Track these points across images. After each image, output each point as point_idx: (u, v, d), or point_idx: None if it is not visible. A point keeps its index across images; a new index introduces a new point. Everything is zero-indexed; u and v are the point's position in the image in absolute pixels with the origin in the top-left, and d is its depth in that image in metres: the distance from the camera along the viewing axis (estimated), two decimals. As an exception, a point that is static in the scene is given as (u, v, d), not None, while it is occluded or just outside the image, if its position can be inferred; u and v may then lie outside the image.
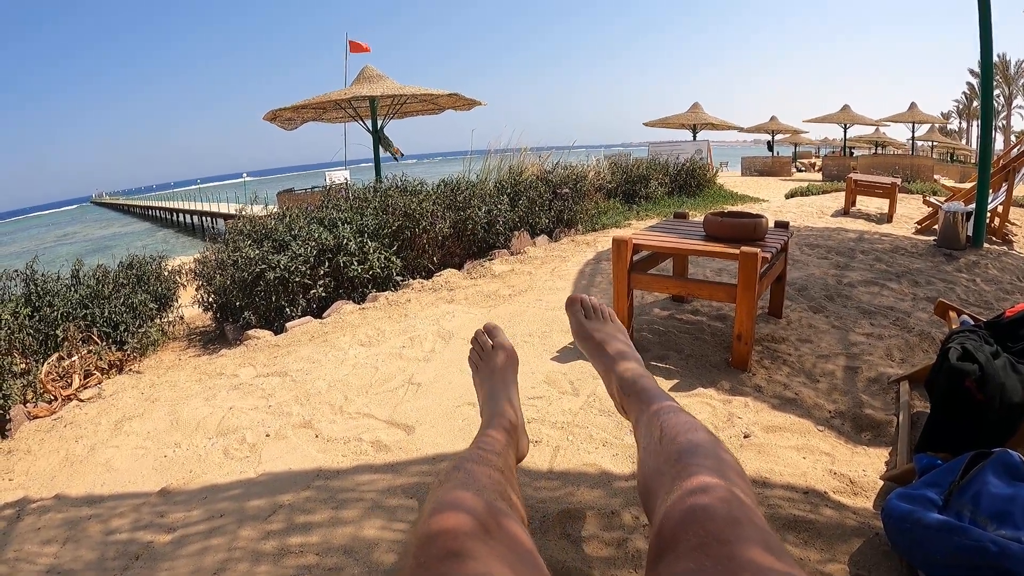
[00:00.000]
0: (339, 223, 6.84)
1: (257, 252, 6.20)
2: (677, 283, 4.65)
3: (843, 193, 13.26)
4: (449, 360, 4.68)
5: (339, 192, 8.65)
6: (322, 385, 4.46)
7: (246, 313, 6.13)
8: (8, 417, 4.93)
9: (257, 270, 6.17)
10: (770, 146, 36.97)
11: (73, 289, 6.65)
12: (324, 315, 6.23)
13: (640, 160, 14.99)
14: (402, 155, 14.65)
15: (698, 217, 6.08)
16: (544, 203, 9.16)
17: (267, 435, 3.88)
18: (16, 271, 6.87)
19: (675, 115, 26.84)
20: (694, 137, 25.66)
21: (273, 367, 5.04)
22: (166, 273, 7.53)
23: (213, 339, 7.00)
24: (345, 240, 6.53)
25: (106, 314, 6.36)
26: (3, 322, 5.29)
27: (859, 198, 12.38)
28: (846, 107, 31.75)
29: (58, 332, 6.14)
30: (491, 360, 2.47)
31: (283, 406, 4.21)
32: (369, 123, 14.00)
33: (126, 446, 4.11)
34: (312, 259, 6.38)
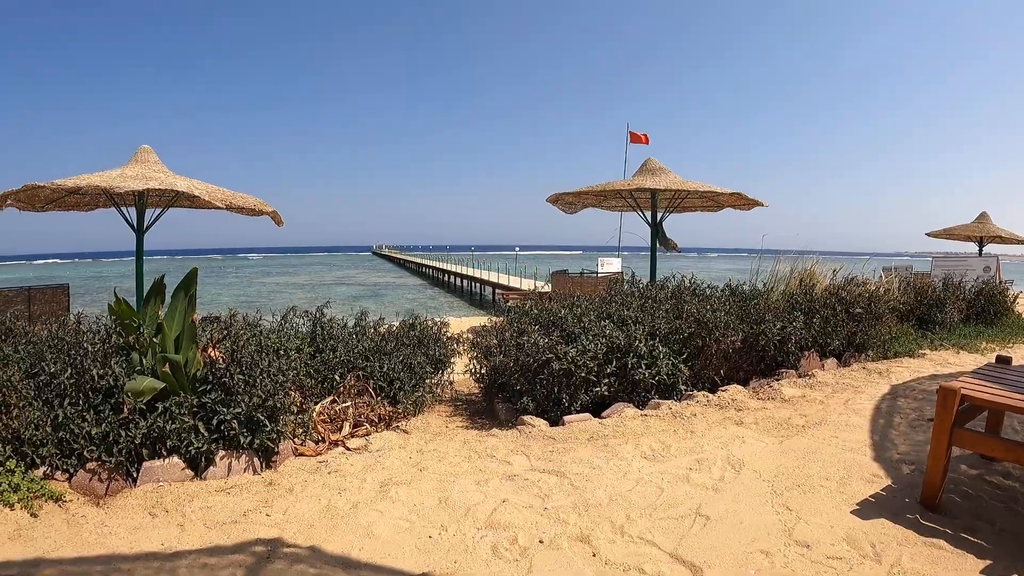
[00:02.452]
0: (630, 322, 6.54)
1: (546, 340, 6.04)
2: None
3: None
4: (740, 494, 4.17)
5: (616, 283, 8.35)
6: (602, 496, 4.08)
7: (525, 399, 5.95)
8: (276, 450, 4.99)
9: (544, 358, 6.03)
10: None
11: (357, 339, 6.81)
12: (603, 415, 5.91)
13: (922, 276, 13.58)
14: (679, 249, 14.30)
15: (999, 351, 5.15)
16: (838, 323, 8.37)
17: (540, 541, 3.57)
18: (307, 311, 7.14)
19: (961, 225, 24.40)
20: (980, 251, 23.18)
21: (549, 463, 4.75)
22: (445, 338, 7.58)
23: (480, 412, 6.89)
24: (636, 341, 6.22)
25: (384, 369, 6.41)
26: (291, 358, 5.44)
27: None
28: None
29: (336, 377, 6.24)
30: None
31: (560, 511, 3.87)
32: (648, 215, 13.79)
33: (390, 514, 3.95)
34: (601, 356, 6.12)
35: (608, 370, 6.08)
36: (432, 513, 3.94)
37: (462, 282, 45.90)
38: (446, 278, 52.27)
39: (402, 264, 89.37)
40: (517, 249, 67.74)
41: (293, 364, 5.42)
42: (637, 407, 6.09)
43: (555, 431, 5.54)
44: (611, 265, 18.22)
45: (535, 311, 6.91)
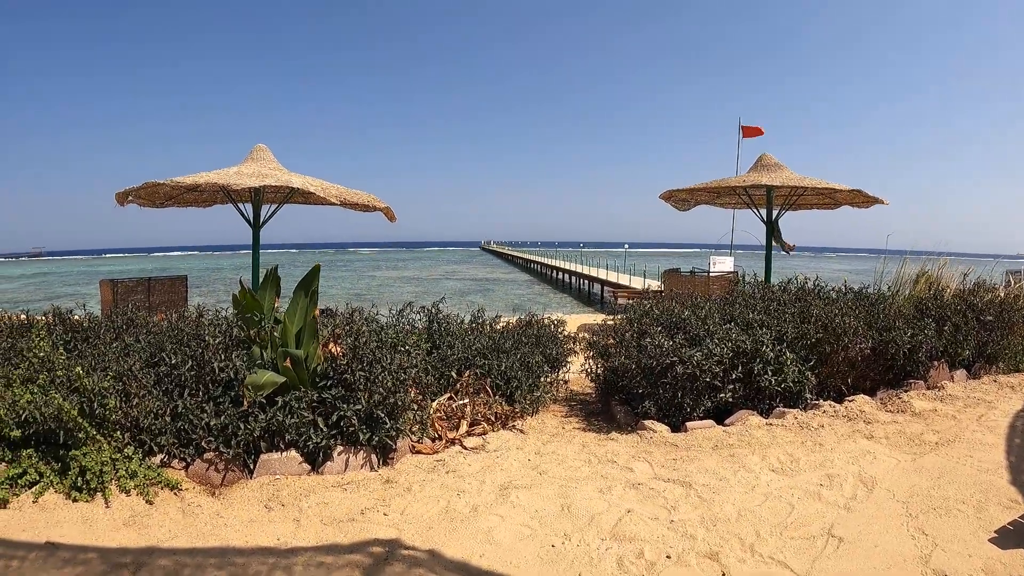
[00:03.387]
0: (755, 325, 6.37)
1: (670, 343, 5.91)
2: None
3: None
4: (874, 515, 3.93)
5: (735, 283, 8.11)
6: (731, 511, 3.91)
7: (647, 403, 5.82)
8: (394, 447, 4.99)
9: (668, 361, 5.87)
10: None
11: (474, 336, 6.83)
12: (726, 422, 5.72)
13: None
14: (793, 249, 13.84)
15: None
16: (969, 331, 7.89)
17: (667, 556, 3.43)
18: (423, 307, 7.16)
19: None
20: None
21: (674, 472, 4.59)
22: (562, 337, 7.54)
23: (596, 413, 6.79)
24: (762, 346, 6.04)
25: (502, 367, 6.37)
26: (412, 355, 5.47)
27: None
28: None
29: (452, 373, 6.22)
30: None
31: (687, 525, 3.72)
32: (763, 212, 13.40)
33: (511, 519, 3.87)
34: (727, 361, 5.94)
35: (733, 376, 5.91)
36: (554, 520, 3.85)
37: (570, 278, 45.60)
38: (554, 274, 52.13)
39: (510, 260, 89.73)
40: (626, 246, 66.94)
41: (414, 361, 5.41)
42: (761, 415, 5.88)
43: (677, 437, 5.40)
44: (723, 264, 17.71)
45: (656, 311, 6.78)
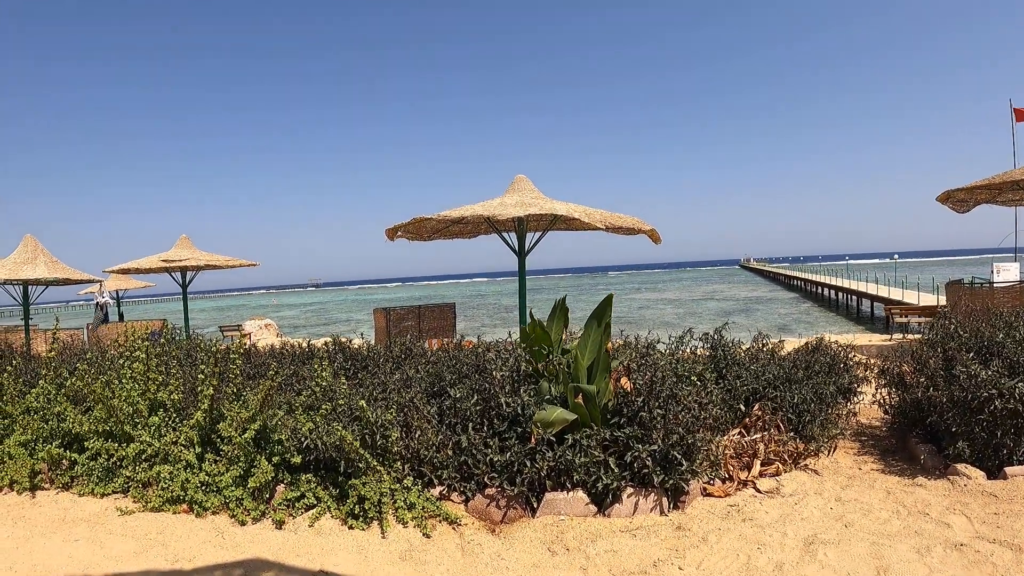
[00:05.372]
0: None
1: (987, 373, 5.24)
2: None
3: None
4: None
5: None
6: None
7: (960, 443, 5.16)
8: (687, 489, 4.78)
9: (985, 394, 5.08)
10: None
11: (763, 365, 6.44)
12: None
13: None
14: None
15: None
16: None
17: None
18: (706, 334, 6.87)
19: None
20: None
21: (998, 530, 4.09)
22: (852, 363, 6.98)
23: (890, 451, 6.22)
24: None
25: (795, 400, 5.96)
26: (709, 390, 5.22)
27: None
28: None
29: (741, 406, 5.94)
30: None
31: None
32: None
33: None
34: (1056, 394, 5.04)
35: (1060, 412, 5.09)
36: None
37: (837, 295, 42.91)
38: (819, 291, 49.40)
39: (771, 277, 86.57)
40: (896, 256, 61.98)
41: (712, 397, 5.20)
42: None
43: (995, 486, 4.82)
44: (1009, 271, 15.72)
45: (963, 333, 6.05)
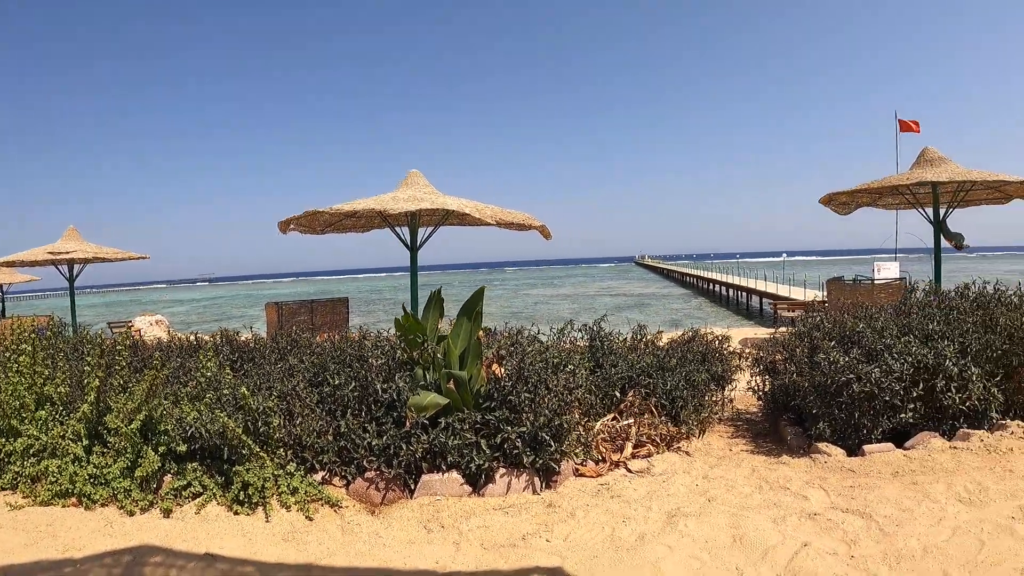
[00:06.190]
0: (936, 337, 5.88)
1: (845, 359, 5.56)
2: None
3: None
4: (1081, 559, 3.55)
5: (911, 291, 7.47)
6: (915, 546, 3.60)
7: (821, 424, 5.46)
8: (558, 469, 4.95)
9: (844, 379, 5.50)
10: None
11: (638, 354, 6.68)
12: (906, 445, 5.33)
13: None
14: (966, 246, 12.90)
15: None
16: None
17: None
18: (585, 324, 7.10)
19: None
20: None
21: (852, 501, 4.31)
22: (727, 353, 7.28)
23: (763, 434, 6.51)
24: (945, 360, 5.50)
25: (668, 387, 6.21)
26: (577, 375, 5.41)
27: None
28: None
29: (616, 393, 6.14)
30: None
31: (868, 562, 3.47)
32: (928, 211, 12.61)
33: (680, 549, 3.72)
34: (907, 377, 5.51)
35: (913, 394, 5.47)
36: (725, 553, 3.68)
37: (728, 291, 44.41)
38: (711, 287, 50.91)
39: (665, 274, 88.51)
40: (784, 256, 64.43)
41: (579, 381, 5.37)
42: (944, 437, 5.41)
43: (854, 462, 5.08)
44: (888, 270, 16.70)
45: (828, 324, 6.40)
